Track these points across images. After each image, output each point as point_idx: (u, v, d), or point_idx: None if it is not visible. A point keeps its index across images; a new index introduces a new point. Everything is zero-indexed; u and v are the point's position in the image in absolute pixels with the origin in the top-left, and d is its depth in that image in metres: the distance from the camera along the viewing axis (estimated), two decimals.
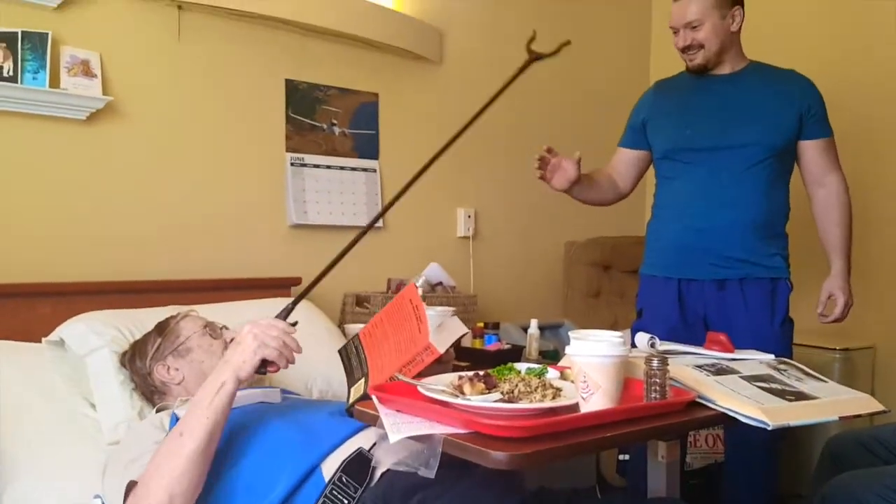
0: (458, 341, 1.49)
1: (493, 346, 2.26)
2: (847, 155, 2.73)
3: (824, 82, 2.56)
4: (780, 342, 1.91)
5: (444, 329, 1.40)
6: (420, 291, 1.40)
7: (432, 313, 2.11)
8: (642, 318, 2.07)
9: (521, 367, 1.34)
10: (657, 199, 2.10)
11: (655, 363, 1.18)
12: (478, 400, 1.13)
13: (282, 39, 2.48)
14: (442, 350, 1.27)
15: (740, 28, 1.97)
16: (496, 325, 2.35)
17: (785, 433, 1.25)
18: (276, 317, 1.37)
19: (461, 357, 2.24)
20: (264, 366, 1.31)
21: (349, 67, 2.64)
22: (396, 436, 1.06)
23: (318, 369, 1.94)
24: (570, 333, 1.26)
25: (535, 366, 1.31)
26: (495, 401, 1.13)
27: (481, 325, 2.35)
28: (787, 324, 1.95)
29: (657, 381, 1.18)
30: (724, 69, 1.98)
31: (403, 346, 1.29)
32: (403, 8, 2.75)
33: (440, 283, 2.65)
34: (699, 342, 1.50)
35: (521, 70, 1.73)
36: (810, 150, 1.97)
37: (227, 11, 2.31)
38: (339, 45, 2.60)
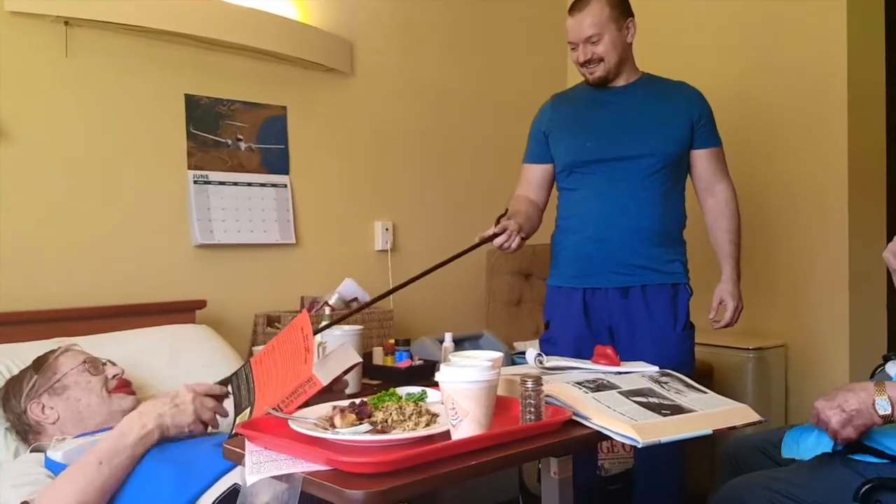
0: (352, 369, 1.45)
1: (404, 363, 2.23)
2: (752, 161, 2.81)
3: (728, 93, 2.60)
4: (683, 347, 1.94)
5: (331, 359, 1.35)
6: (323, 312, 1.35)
7: (339, 332, 2.10)
8: (550, 329, 2.07)
9: (404, 391, 1.31)
10: (560, 210, 2.11)
11: (530, 384, 1.16)
12: (346, 433, 1.09)
13: (180, 54, 2.40)
14: (326, 382, 1.23)
15: (632, 40, 1.99)
16: (407, 342, 2.32)
17: None
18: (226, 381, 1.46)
19: (372, 375, 2.21)
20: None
21: (254, 81, 2.58)
22: (255, 476, 1.02)
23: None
24: (450, 356, 1.24)
25: (415, 390, 1.28)
26: (365, 432, 1.10)
27: (392, 341, 2.31)
28: (688, 329, 1.98)
29: (532, 401, 1.16)
30: (620, 81, 2.01)
31: (289, 376, 1.25)
32: (311, 20, 2.71)
33: (355, 299, 2.60)
34: None
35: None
36: (701, 159, 2.02)
37: (119, 27, 2.23)
38: (242, 58, 2.54)
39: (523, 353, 2.21)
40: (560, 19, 3.53)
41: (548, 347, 2.06)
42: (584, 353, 1.68)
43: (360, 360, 1.40)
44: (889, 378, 1.39)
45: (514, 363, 2.53)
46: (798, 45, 2.79)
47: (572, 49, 2.01)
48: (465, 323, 3.04)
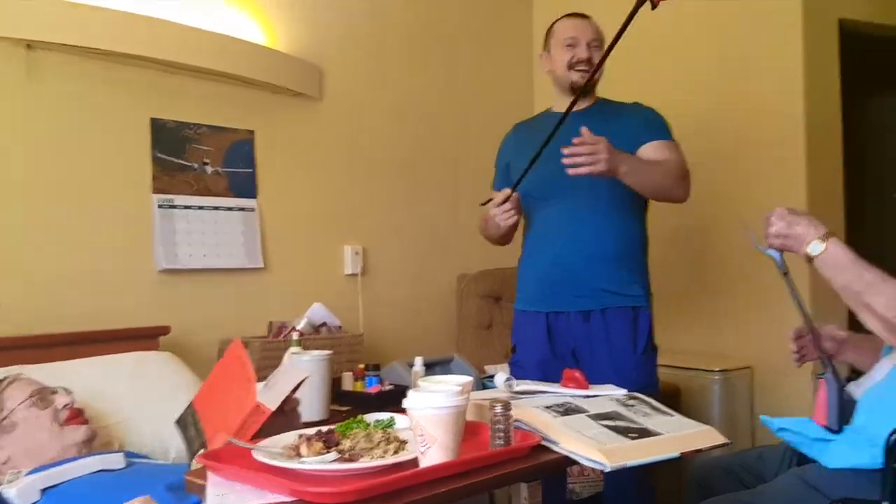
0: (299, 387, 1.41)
1: (374, 389, 2.21)
2: (716, 188, 2.85)
3: (691, 123, 2.65)
4: (644, 369, 1.95)
5: (276, 381, 1.32)
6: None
7: (308, 358, 2.07)
8: (516, 353, 2.08)
9: (372, 417, 1.29)
10: (525, 236, 2.12)
11: (498, 409, 1.16)
12: (312, 462, 1.08)
13: (146, 77, 2.38)
14: (274, 406, 1.20)
15: None
16: (377, 367, 2.29)
17: None
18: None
19: (341, 401, 2.18)
20: None
21: (221, 105, 2.56)
22: None
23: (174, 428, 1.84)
24: (419, 381, 1.23)
25: (384, 416, 1.26)
26: (332, 461, 1.08)
27: (362, 366, 2.29)
28: (649, 351, 1.99)
29: (501, 426, 1.16)
30: (582, 103, 2.02)
31: (235, 408, 1.22)
32: (279, 45, 2.71)
33: (324, 324, 2.58)
34: None
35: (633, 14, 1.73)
36: (647, 151, 1.96)
37: (83, 50, 2.21)
38: (209, 82, 2.53)
39: (493, 376, 2.20)
40: (530, 44, 3.60)
41: (515, 371, 2.06)
42: (550, 375, 1.69)
43: (307, 374, 1.35)
44: (852, 400, 1.41)
45: (484, 387, 2.52)
46: (758, 77, 2.86)
47: (569, 46, 2.00)
48: (435, 347, 3.03)
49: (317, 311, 2.57)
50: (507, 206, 1.90)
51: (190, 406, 1.35)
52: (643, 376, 1.90)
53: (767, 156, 2.83)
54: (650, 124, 2.00)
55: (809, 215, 1.42)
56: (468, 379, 1.24)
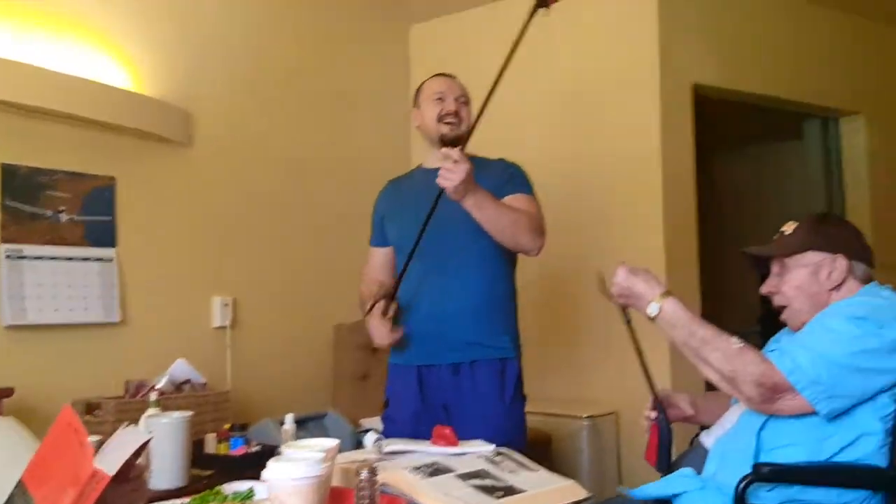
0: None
1: (239, 451, 2.10)
2: (578, 237, 2.98)
3: (555, 177, 2.74)
4: (512, 419, 1.99)
5: (113, 445, 1.23)
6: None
7: (166, 420, 1.95)
8: (389, 407, 2.07)
9: (231, 488, 1.23)
10: (399, 290, 2.12)
11: (363, 475, 1.13)
12: None
13: None
14: (113, 471, 1.11)
15: None
16: (244, 426, 2.20)
17: None
18: None
19: (203, 465, 2.06)
20: None
21: (80, 150, 2.43)
22: None
23: None
24: (281, 448, 1.18)
25: (243, 487, 1.20)
26: None
27: (227, 426, 2.18)
28: (517, 401, 2.03)
29: (366, 493, 1.13)
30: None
31: (70, 478, 1.12)
32: (147, 89, 2.61)
33: (188, 381, 2.45)
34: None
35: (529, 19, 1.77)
36: (508, 200, 2.00)
37: None
38: (68, 126, 2.39)
39: (369, 431, 2.17)
40: (407, 101, 3.63)
41: (387, 426, 2.05)
42: (421, 429, 1.68)
43: (149, 436, 1.26)
44: (704, 449, 1.49)
45: (359, 443, 2.47)
46: (619, 137, 3.04)
47: (438, 100, 2.05)
48: (311, 401, 2.94)
49: (180, 368, 2.44)
50: (388, 323, 1.96)
51: (20, 483, 1.23)
52: (512, 427, 1.94)
53: (629, 211, 3.00)
54: (513, 178, 2.07)
55: (648, 273, 1.46)
56: (334, 443, 1.21)
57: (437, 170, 1.86)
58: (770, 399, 1.32)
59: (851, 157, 3.83)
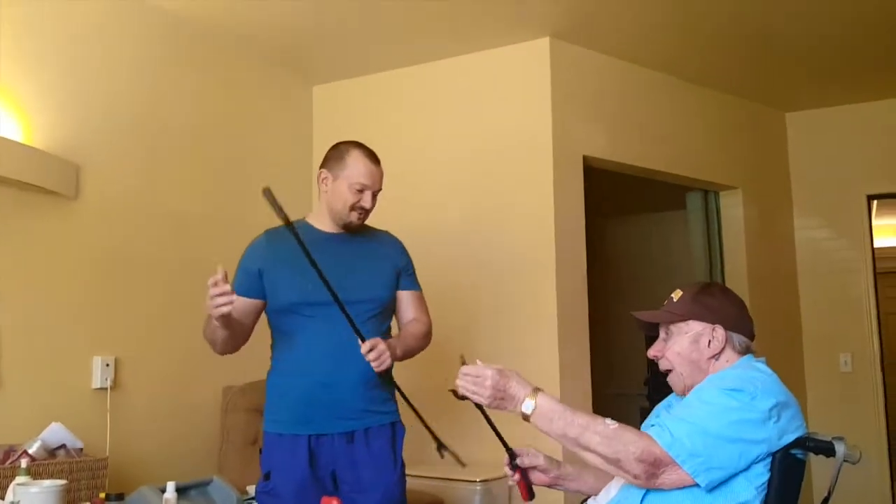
0: None
1: None
2: (475, 297, 3.05)
3: (450, 238, 2.80)
4: (401, 485, 2.00)
5: None
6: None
7: (36, 489, 1.82)
8: (271, 480, 1.97)
9: None
10: (276, 352, 2.08)
11: None
12: None
13: None
14: None
15: None
16: (120, 496, 2.06)
17: None
18: None
19: None
20: None
21: None
22: None
23: None
24: None
25: None
26: None
27: (102, 495, 2.05)
28: (403, 465, 2.05)
29: None
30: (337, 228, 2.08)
31: None
32: (33, 140, 2.50)
33: (63, 447, 2.30)
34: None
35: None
36: (406, 298, 2.15)
37: None
38: None
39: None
40: (309, 155, 3.64)
41: (268, 500, 1.95)
42: (308, 502, 1.64)
43: None
44: None
45: None
46: (514, 208, 3.21)
47: (359, 191, 2.01)
48: (198, 466, 2.81)
49: (54, 432, 2.29)
50: (225, 286, 1.79)
51: None
52: (401, 492, 1.93)
53: (525, 277, 3.12)
54: (407, 269, 2.16)
55: (518, 375, 1.46)
56: None
57: (332, 234, 1.90)
58: (653, 475, 1.35)
59: (730, 228, 4.10)
